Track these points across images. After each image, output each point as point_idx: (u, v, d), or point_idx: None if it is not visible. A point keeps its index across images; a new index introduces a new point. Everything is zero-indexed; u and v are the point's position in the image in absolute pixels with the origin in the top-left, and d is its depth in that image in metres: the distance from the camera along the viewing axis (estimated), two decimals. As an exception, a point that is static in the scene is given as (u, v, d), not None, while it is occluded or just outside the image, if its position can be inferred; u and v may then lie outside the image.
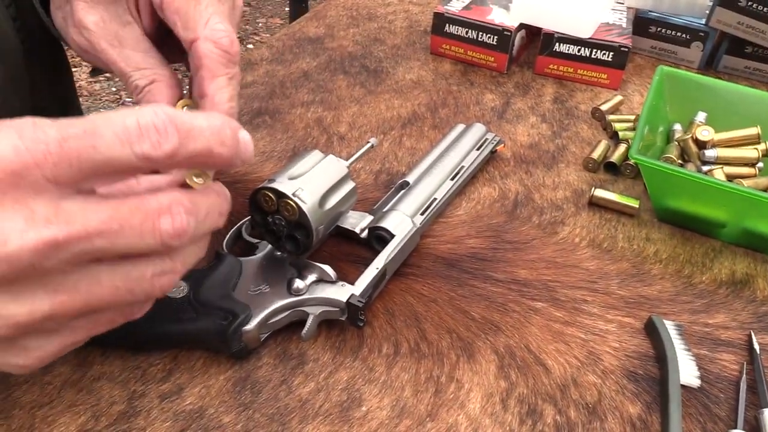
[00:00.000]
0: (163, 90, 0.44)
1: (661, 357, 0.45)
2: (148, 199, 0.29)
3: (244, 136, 0.33)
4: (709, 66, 0.85)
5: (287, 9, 3.21)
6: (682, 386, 0.43)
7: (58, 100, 0.63)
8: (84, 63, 2.91)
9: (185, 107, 0.43)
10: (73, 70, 0.67)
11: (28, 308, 0.29)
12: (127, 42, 0.45)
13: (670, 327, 0.47)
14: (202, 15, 0.41)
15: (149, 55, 0.45)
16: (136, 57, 0.44)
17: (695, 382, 0.44)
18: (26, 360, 0.31)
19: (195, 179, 0.33)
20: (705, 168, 0.60)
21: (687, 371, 0.44)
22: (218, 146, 0.31)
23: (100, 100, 2.70)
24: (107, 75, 2.82)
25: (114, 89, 2.77)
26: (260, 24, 3.40)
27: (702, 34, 0.81)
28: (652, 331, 0.47)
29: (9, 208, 0.27)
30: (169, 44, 0.46)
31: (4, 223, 0.26)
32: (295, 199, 0.44)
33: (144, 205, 0.29)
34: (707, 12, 0.81)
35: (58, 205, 0.27)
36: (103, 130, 0.28)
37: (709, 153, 0.60)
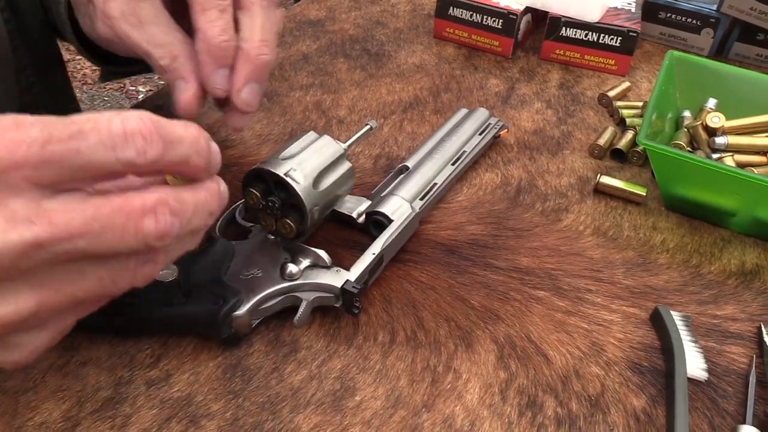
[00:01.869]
0: (186, 64, 0.44)
1: (667, 349, 0.44)
2: (132, 198, 0.29)
3: (214, 147, 0.33)
4: (719, 53, 0.82)
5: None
6: (689, 379, 0.42)
7: (48, 87, 0.61)
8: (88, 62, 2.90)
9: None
10: (78, 57, 0.66)
11: (13, 307, 0.28)
12: (146, 18, 0.44)
13: (676, 318, 0.45)
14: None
15: (168, 29, 0.45)
16: (155, 32, 0.44)
17: (702, 375, 0.42)
18: (19, 355, 0.31)
19: (173, 179, 0.33)
20: (715, 156, 0.59)
21: (694, 364, 0.43)
22: (195, 156, 0.31)
23: (104, 88, 2.68)
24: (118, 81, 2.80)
25: (118, 77, 2.75)
26: (265, 12, 3.37)
27: (713, 20, 0.79)
28: (658, 322, 0.46)
29: None
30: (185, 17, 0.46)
31: None
32: (288, 179, 0.43)
33: (127, 205, 0.28)
34: (719, -3, 0.79)
35: (39, 205, 0.27)
36: (89, 134, 0.27)
37: (720, 140, 0.58)
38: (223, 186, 0.34)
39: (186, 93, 0.45)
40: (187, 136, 0.30)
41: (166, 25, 0.45)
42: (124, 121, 0.28)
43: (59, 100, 0.64)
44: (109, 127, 0.28)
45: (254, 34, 0.44)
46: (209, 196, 0.32)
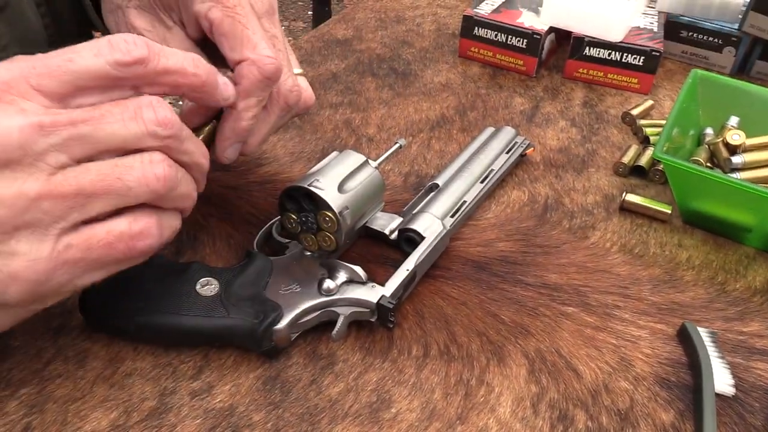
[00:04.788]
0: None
1: (694, 364, 0.45)
2: (129, 99, 0.34)
3: (224, 79, 0.39)
4: (741, 71, 0.83)
5: (310, 12, 3.23)
6: (716, 394, 0.43)
7: None
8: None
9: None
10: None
11: (16, 189, 0.30)
12: (173, 44, 0.48)
13: (703, 334, 0.46)
14: (250, 39, 0.44)
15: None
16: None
17: (730, 391, 0.43)
18: (17, 266, 0.31)
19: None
20: (733, 175, 0.59)
21: (721, 379, 0.44)
22: (191, 67, 0.36)
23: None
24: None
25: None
26: (283, 27, 3.42)
27: (734, 38, 0.80)
28: (685, 338, 0.47)
29: (1, 108, 0.30)
30: (208, 52, 0.49)
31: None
32: (312, 188, 0.46)
33: (126, 102, 0.33)
34: (740, 16, 0.80)
35: (48, 107, 0.31)
36: (80, 48, 0.32)
37: (736, 159, 0.59)
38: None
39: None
40: (180, 52, 0.35)
41: (191, 50, 0.48)
42: (110, 38, 0.33)
43: None
44: (98, 41, 0.33)
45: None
46: (201, 148, 0.39)
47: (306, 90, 0.51)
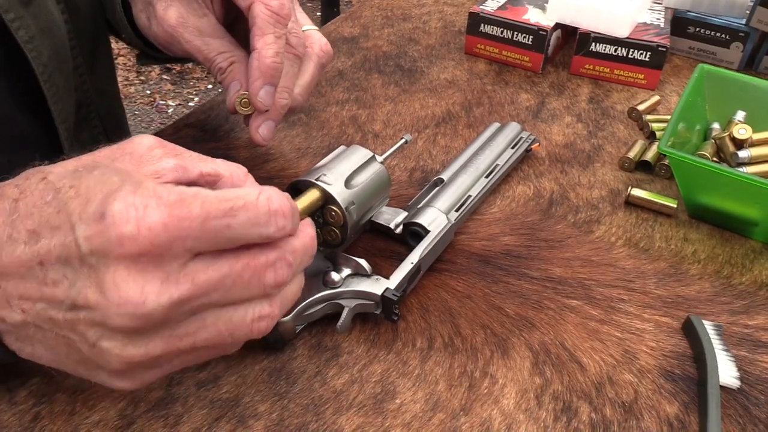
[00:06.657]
0: (242, 69, 0.50)
1: (699, 357, 0.45)
2: (258, 255, 0.33)
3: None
4: (749, 67, 0.83)
5: (319, 14, 3.23)
6: (721, 387, 0.43)
7: (97, 85, 0.64)
8: (131, 54, 2.97)
9: (242, 99, 0.50)
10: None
11: (143, 350, 0.32)
12: (205, 31, 0.51)
13: (708, 327, 0.46)
14: None
15: (225, 40, 0.51)
16: (215, 43, 0.51)
17: (735, 383, 0.43)
18: (131, 384, 0.34)
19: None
20: (740, 169, 0.59)
21: (726, 372, 0.44)
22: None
23: (135, 102, 2.75)
24: (144, 77, 2.87)
25: (148, 92, 2.82)
26: (293, 27, 3.41)
27: (742, 34, 0.80)
28: (690, 331, 0.47)
29: (150, 272, 0.30)
30: (233, 34, 0.53)
31: (145, 285, 0.30)
32: (319, 183, 0.46)
33: (254, 261, 0.33)
34: (747, 12, 0.80)
35: (186, 266, 0.31)
36: (239, 212, 0.31)
37: (742, 154, 0.59)
38: (314, 228, 0.38)
39: (239, 93, 0.50)
40: (295, 205, 0.35)
41: (223, 37, 0.51)
42: (270, 201, 0.32)
43: (106, 98, 0.67)
44: (257, 206, 0.32)
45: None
46: (310, 240, 0.36)
47: (322, 39, 0.56)
